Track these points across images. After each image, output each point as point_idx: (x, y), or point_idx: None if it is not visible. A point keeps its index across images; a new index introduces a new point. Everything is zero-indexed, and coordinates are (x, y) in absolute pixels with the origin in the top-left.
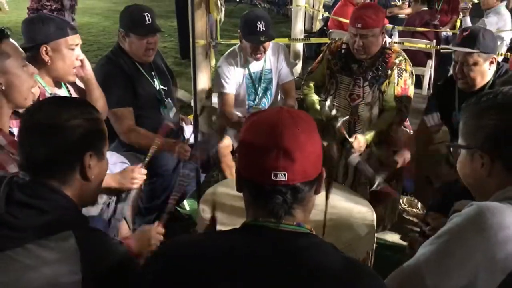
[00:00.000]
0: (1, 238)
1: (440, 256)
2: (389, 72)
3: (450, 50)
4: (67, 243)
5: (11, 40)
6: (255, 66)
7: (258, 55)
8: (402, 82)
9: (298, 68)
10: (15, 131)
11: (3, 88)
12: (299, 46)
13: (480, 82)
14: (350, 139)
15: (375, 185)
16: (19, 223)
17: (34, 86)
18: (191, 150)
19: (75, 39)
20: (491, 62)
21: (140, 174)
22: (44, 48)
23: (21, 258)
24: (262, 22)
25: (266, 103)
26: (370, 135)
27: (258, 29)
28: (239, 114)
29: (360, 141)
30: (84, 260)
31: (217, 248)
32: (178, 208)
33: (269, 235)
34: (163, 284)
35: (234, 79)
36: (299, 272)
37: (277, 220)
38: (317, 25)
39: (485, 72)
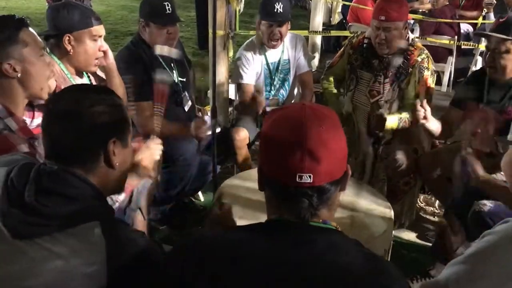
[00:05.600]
0: (30, 225)
1: (474, 277)
2: (411, 69)
3: (471, 47)
4: (93, 233)
5: (30, 29)
6: (273, 56)
7: (274, 42)
8: (423, 80)
9: (316, 61)
10: (28, 121)
11: (19, 75)
12: (317, 39)
13: (510, 72)
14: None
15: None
16: (48, 211)
17: (51, 77)
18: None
19: (99, 30)
20: None
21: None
22: (67, 38)
23: (49, 246)
24: (280, 3)
25: (284, 94)
26: (391, 124)
27: (275, 10)
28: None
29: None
30: (108, 250)
31: (240, 248)
32: (193, 200)
33: (294, 233)
34: (187, 281)
35: (253, 69)
36: (320, 273)
37: (303, 222)
38: (336, 18)
39: None
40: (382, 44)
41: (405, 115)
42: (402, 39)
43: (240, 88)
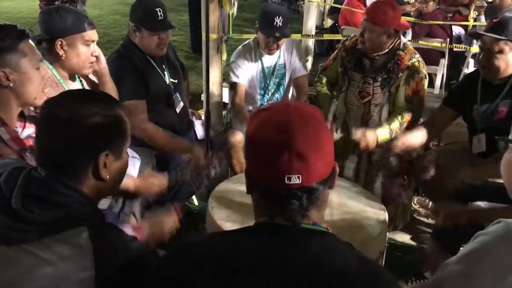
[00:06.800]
0: (16, 231)
1: (467, 278)
2: (401, 74)
3: (463, 50)
4: (81, 238)
5: (30, 41)
6: (269, 61)
7: (271, 50)
8: (414, 83)
9: (309, 64)
10: (19, 131)
11: (11, 85)
12: (310, 43)
13: (504, 72)
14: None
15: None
16: (34, 218)
17: (45, 88)
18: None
19: (91, 35)
20: None
21: (160, 181)
22: (59, 42)
23: (35, 252)
24: (280, 17)
25: (278, 98)
26: (382, 137)
27: (275, 24)
28: (250, 107)
29: (369, 139)
30: (97, 256)
31: (235, 250)
32: (187, 203)
33: (286, 235)
34: (184, 283)
35: (247, 70)
36: (316, 275)
37: (294, 224)
38: (328, 22)
39: (509, 62)
40: (362, 43)
41: (394, 126)
42: (380, 44)
43: (232, 87)
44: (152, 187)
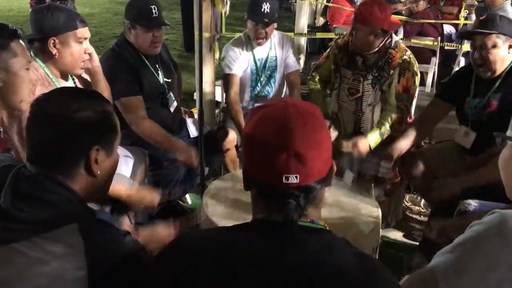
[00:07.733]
0: (6, 231)
1: (460, 267)
2: (392, 72)
3: (454, 48)
4: (72, 237)
5: (21, 41)
6: (260, 53)
7: (260, 40)
8: (404, 80)
9: (301, 63)
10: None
11: (0, 85)
12: (302, 41)
13: (499, 68)
14: (352, 141)
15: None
16: (24, 217)
17: (33, 91)
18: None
19: (84, 32)
20: (510, 46)
21: (152, 196)
22: (52, 41)
23: (27, 251)
24: (267, 3)
25: (269, 91)
26: (375, 141)
27: (262, 10)
28: (243, 104)
29: (361, 147)
30: (89, 254)
31: (233, 248)
32: (180, 202)
33: (285, 233)
34: (181, 282)
35: (240, 62)
36: (316, 274)
37: (292, 222)
38: (320, 20)
39: (504, 56)
40: (352, 41)
41: (384, 129)
42: (369, 43)
43: (226, 80)
44: (143, 200)
